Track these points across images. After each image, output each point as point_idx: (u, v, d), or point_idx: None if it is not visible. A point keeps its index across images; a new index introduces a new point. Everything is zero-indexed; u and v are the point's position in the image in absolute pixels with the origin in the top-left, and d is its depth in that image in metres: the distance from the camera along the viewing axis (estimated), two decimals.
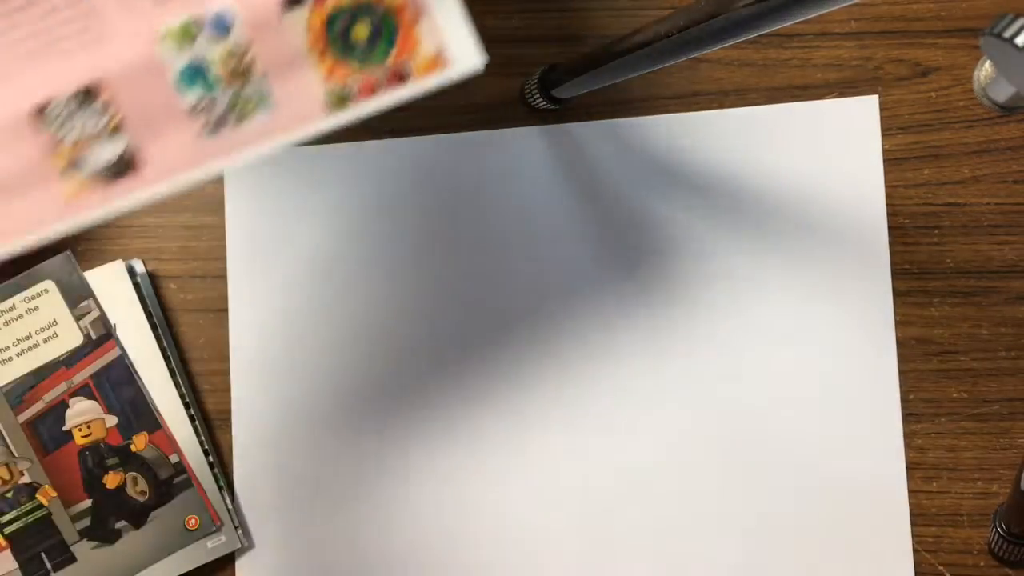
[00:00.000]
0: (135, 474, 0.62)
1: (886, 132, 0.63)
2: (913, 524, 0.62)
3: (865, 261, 0.63)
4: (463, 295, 0.64)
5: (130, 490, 0.62)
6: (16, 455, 0.62)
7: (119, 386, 0.63)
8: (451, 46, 0.41)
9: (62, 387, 0.62)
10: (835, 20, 0.64)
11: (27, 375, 0.62)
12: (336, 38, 0.40)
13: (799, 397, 0.62)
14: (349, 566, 0.63)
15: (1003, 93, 0.62)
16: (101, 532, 0.62)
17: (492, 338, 0.63)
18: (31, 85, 0.38)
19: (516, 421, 0.63)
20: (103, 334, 0.62)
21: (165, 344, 0.63)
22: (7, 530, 0.62)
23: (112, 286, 0.63)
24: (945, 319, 0.63)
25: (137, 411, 0.62)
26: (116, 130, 0.39)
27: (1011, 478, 0.62)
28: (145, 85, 0.39)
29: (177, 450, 0.62)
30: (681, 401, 0.62)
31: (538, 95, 0.61)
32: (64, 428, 0.62)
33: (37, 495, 0.62)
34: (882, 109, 0.63)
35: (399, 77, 0.40)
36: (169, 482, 0.62)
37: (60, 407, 0.62)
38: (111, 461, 0.62)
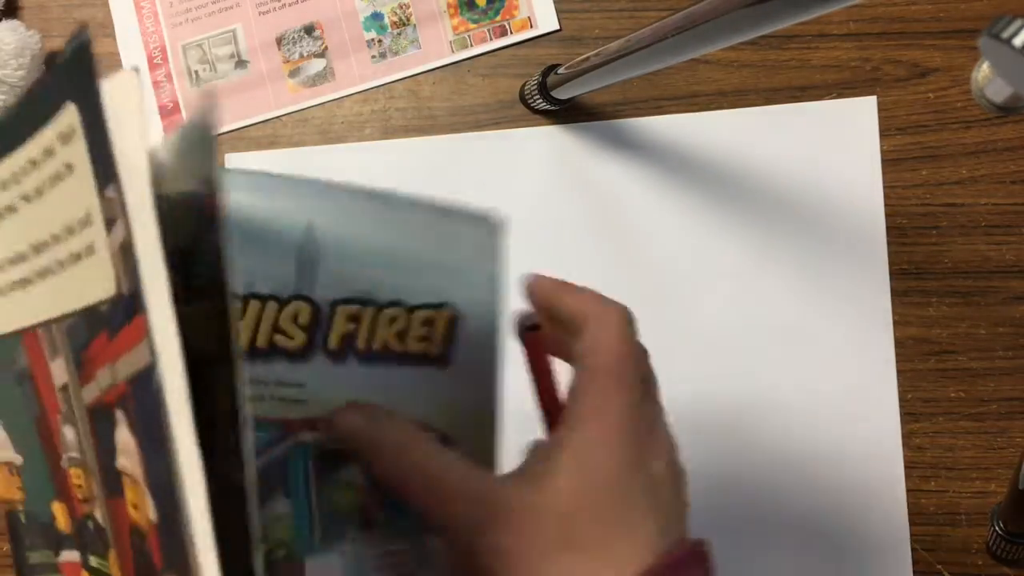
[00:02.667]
0: None
1: (884, 133, 0.63)
2: (911, 523, 0.62)
3: (863, 261, 0.63)
4: None
5: None
6: (89, 460, 0.30)
7: (153, 440, 0.25)
8: (537, 13, 0.64)
9: (105, 374, 0.27)
10: (834, 21, 0.64)
11: (77, 315, 0.28)
12: (463, 4, 0.64)
13: (797, 396, 0.62)
14: None
15: (1001, 94, 0.62)
16: None
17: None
18: (277, 22, 0.64)
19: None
20: (134, 292, 0.25)
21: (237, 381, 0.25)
22: None
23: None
24: (943, 319, 0.63)
25: (173, 519, 0.24)
26: (322, 53, 0.63)
27: (1009, 477, 0.62)
28: (344, 25, 0.64)
29: None
30: (679, 400, 0.63)
31: (538, 95, 0.61)
32: (116, 462, 0.28)
33: (110, 557, 0.30)
34: (880, 110, 0.63)
35: (501, 32, 0.64)
36: None
37: (109, 413, 0.28)
38: None
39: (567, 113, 0.64)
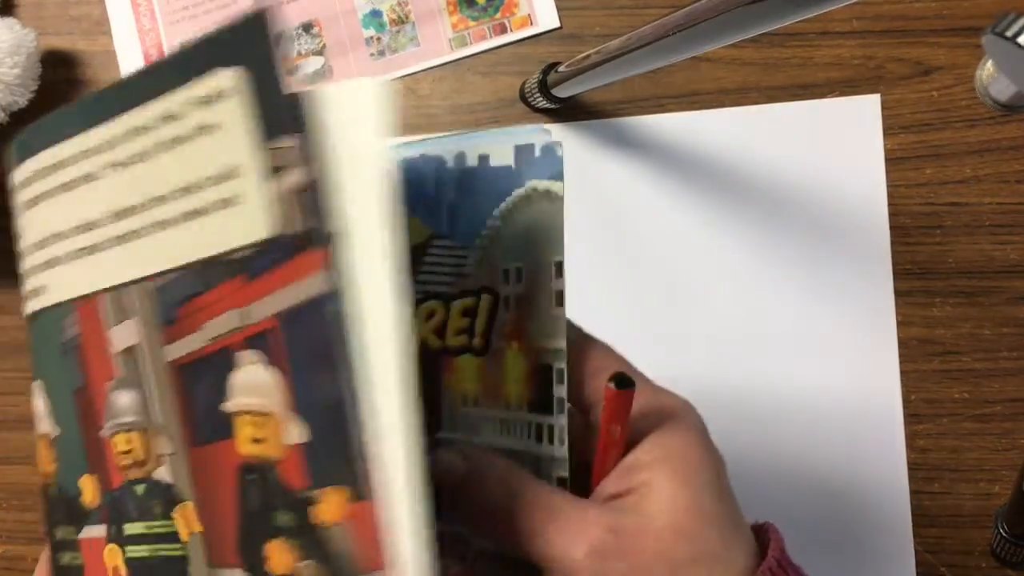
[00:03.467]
0: (317, 568, 0.28)
1: (888, 131, 0.63)
2: (914, 525, 0.61)
3: (866, 261, 0.63)
4: None
5: None
6: (158, 420, 0.31)
7: (316, 364, 0.28)
8: (537, 11, 0.63)
9: (232, 318, 0.29)
10: (836, 19, 0.63)
11: (188, 269, 0.30)
12: (463, 1, 0.63)
13: (799, 397, 0.62)
14: None
15: (1005, 92, 0.62)
16: None
17: None
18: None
19: None
20: (310, 229, 0.28)
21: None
22: (132, 552, 0.32)
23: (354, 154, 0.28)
24: (947, 319, 0.62)
25: (342, 438, 0.27)
26: (320, 51, 0.61)
27: (1013, 479, 0.61)
28: (343, 23, 0.63)
29: (388, 570, 0.26)
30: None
31: (538, 93, 0.61)
32: (225, 407, 0.30)
33: (175, 514, 0.31)
34: (884, 108, 0.63)
35: (501, 29, 0.63)
36: None
37: (224, 359, 0.30)
38: (282, 519, 0.29)
39: (567, 111, 0.63)
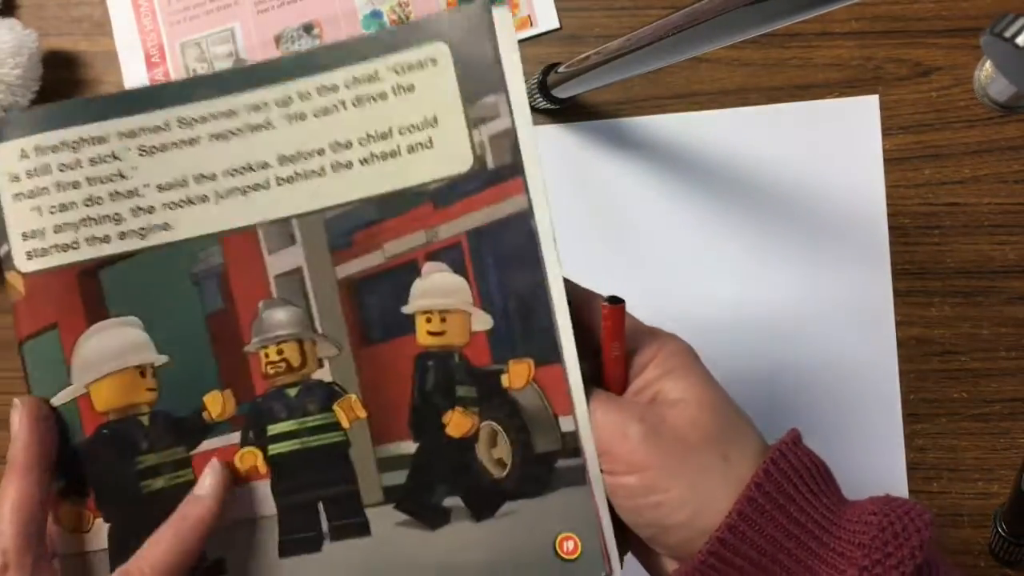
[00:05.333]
0: (495, 426, 0.38)
1: (886, 132, 0.63)
2: None
3: (865, 261, 0.63)
4: None
5: (481, 451, 0.38)
6: (320, 331, 0.39)
7: (510, 266, 0.37)
8: (537, 12, 0.64)
9: (418, 238, 0.38)
10: (836, 20, 0.64)
11: (368, 201, 0.38)
12: (463, 2, 0.58)
13: (799, 397, 0.62)
14: None
15: (1004, 93, 0.62)
16: (419, 503, 0.38)
17: None
18: (276, 21, 0.62)
19: None
20: (508, 164, 0.37)
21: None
22: (274, 449, 0.39)
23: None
24: (946, 319, 0.62)
25: (528, 320, 0.37)
26: None
27: (1011, 478, 0.61)
28: (344, 24, 0.64)
29: (575, 411, 0.37)
30: None
31: (538, 95, 0.61)
32: (405, 309, 0.38)
33: (336, 406, 0.38)
34: (882, 109, 0.63)
35: None
36: (549, 461, 0.38)
37: (406, 272, 0.38)
38: (463, 391, 0.38)
39: (567, 112, 0.63)
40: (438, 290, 0.38)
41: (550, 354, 0.37)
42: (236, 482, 0.38)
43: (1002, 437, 0.62)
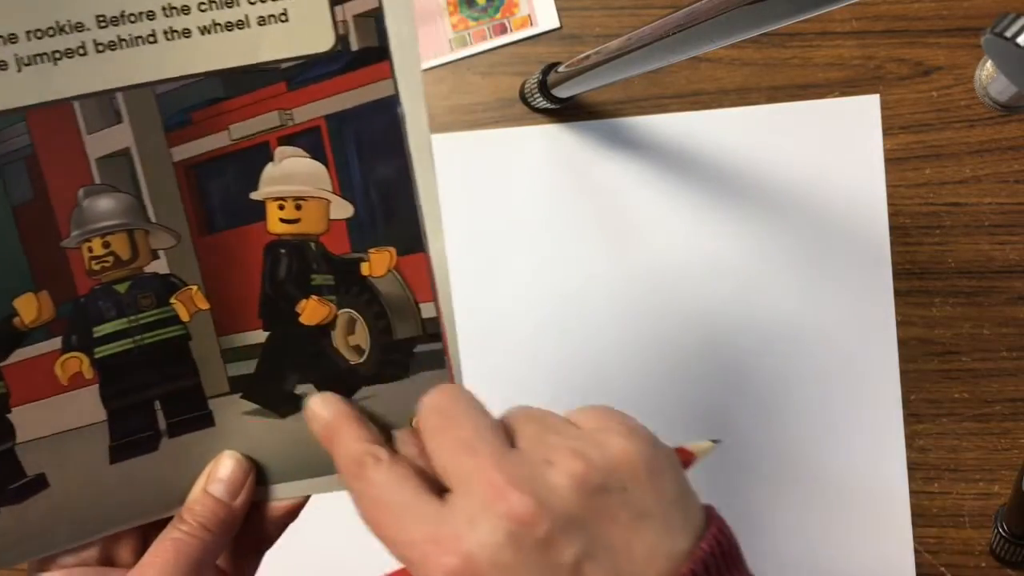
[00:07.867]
0: (353, 313, 0.36)
1: (887, 131, 0.63)
2: (914, 525, 0.61)
3: (866, 261, 0.63)
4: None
5: (338, 338, 0.36)
6: (154, 219, 0.34)
7: (372, 153, 0.35)
8: (537, 11, 0.64)
9: (270, 119, 0.35)
10: (836, 19, 0.63)
11: (208, 76, 0.33)
12: (463, 1, 0.63)
13: (800, 397, 0.62)
14: None
15: (1005, 92, 0.62)
16: (267, 392, 0.36)
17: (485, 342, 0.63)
18: None
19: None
20: (373, 48, 0.34)
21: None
22: (101, 351, 0.35)
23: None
24: (946, 319, 0.62)
25: (391, 209, 0.35)
26: None
27: (1012, 479, 0.61)
28: None
29: (437, 298, 0.36)
30: (680, 402, 0.62)
31: (538, 94, 0.61)
32: (253, 195, 0.35)
33: (173, 300, 0.35)
34: (883, 108, 0.63)
35: (501, 30, 0.64)
36: (407, 347, 0.36)
37: (256, 155, 0.35)
38: (319, 279, 0.36)
39: (567, 111, 0.63)
40: (293, 176, 0.35)
41: (414, 243, 0.35)
42: (56, 391, 0.34)
43: (1003, 437, 0.62)
